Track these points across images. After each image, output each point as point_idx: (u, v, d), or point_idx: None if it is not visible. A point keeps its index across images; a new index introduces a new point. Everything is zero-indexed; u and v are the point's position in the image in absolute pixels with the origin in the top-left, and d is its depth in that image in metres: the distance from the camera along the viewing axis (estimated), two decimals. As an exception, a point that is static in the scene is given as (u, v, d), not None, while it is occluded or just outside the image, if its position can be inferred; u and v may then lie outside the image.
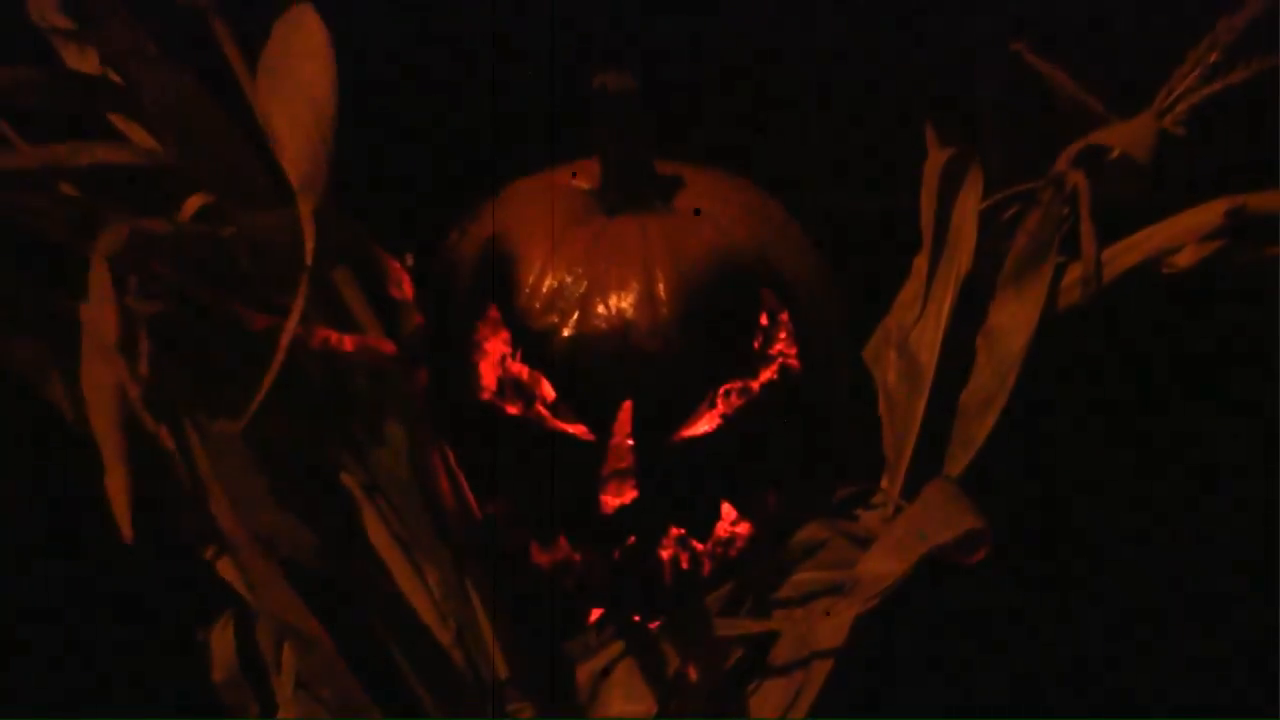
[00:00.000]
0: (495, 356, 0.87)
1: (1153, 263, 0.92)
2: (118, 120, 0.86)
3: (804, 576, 0.89)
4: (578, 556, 0.88)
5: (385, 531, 0.89)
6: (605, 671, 0.88)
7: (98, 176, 0.81)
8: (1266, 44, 0.92)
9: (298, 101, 0.75)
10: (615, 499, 0.86)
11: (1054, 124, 0.97)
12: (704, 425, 0.86)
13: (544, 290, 0.86)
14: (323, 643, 0.83)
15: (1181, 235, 0.92)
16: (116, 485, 0.67)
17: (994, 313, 0.93)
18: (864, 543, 0.88)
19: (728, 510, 0.88)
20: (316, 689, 0.84)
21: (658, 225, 0.88)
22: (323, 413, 0.86)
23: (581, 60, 0.91)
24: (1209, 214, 0.91)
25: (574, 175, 0.93)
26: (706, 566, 0.88)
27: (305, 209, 0.75)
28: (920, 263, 0.94)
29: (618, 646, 0.88)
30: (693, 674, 0.86)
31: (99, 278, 0.68)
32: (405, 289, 0.83)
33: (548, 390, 0.86)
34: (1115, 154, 0.93)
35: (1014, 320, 0.92)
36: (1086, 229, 0.90)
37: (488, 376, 0.87)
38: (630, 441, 0.85)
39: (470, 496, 0.88)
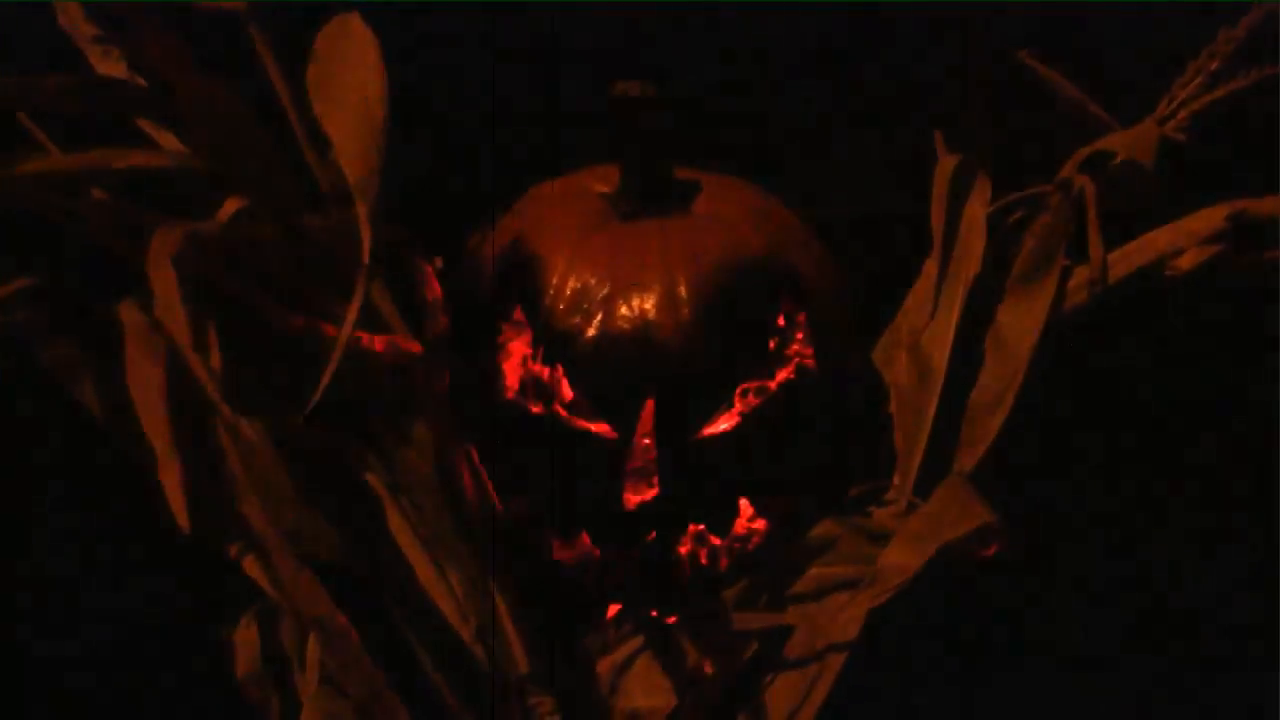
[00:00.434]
0: (518, 357, 0.89)
1: (1156, 266, 0.95)
2: (146, 125, 0.88)
3: (818, 572, 0.91)
4: (598, 553, 0.90)
5: (408, 529, 0.90)
6: (624, 666, 0.90)
7: (125, 181, 0.83)
8: (1267, 54, 0.94)
9: (351, 106, 0.77)
10: (637, 496, 0.87)
11: (1055, 130, 1.00)
12: (723, 424, 0.88)
13: (568, 292, 0.88)
14: (350, 638, 0.84)
15: (1183, 239, 0.94)
16: (172, 479, 0.68)
17: (1002, 314, 0.95)
18: (876, 538, 0.90)
19: (746, 507, 0.89)
20: (343, 685, 0.85)
21: (677, 229, 0.90)
22: (348, 412, 0.88)
23: (601, 67, 0.92)
24: (1210, 219, 0.94)
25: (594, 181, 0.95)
26: (724, 562, 0.90)
27: (363, 211, 0.76)
28: (930, 266, 0.96)
29: (636, 641, 0.90)
30: (710, 667, 0.88)
31: (165, 279, 0.69)
32: (435, 291, 0.85)
33: (566, 390, 0.88)
34: (1118, 160, 0.96)
35: (1022, 321, 0.94)
36: (1094, 232, 0.92)
37: (511, 376, 0.89)
38: (652, 440, 0.86)
39: (493, 494, 0.90)
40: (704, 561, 0.90)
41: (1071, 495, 1.05)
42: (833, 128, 1.09)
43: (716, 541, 0.90)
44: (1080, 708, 1.01)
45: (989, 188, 0.96)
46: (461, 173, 1.07)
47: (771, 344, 0.89)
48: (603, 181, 0.95)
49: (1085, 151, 0.95)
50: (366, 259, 0.75)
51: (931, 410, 0.93)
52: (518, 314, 0.89)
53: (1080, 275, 0.95)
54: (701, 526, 0.89)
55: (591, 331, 0.87)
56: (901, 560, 0.81)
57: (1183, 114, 0.96)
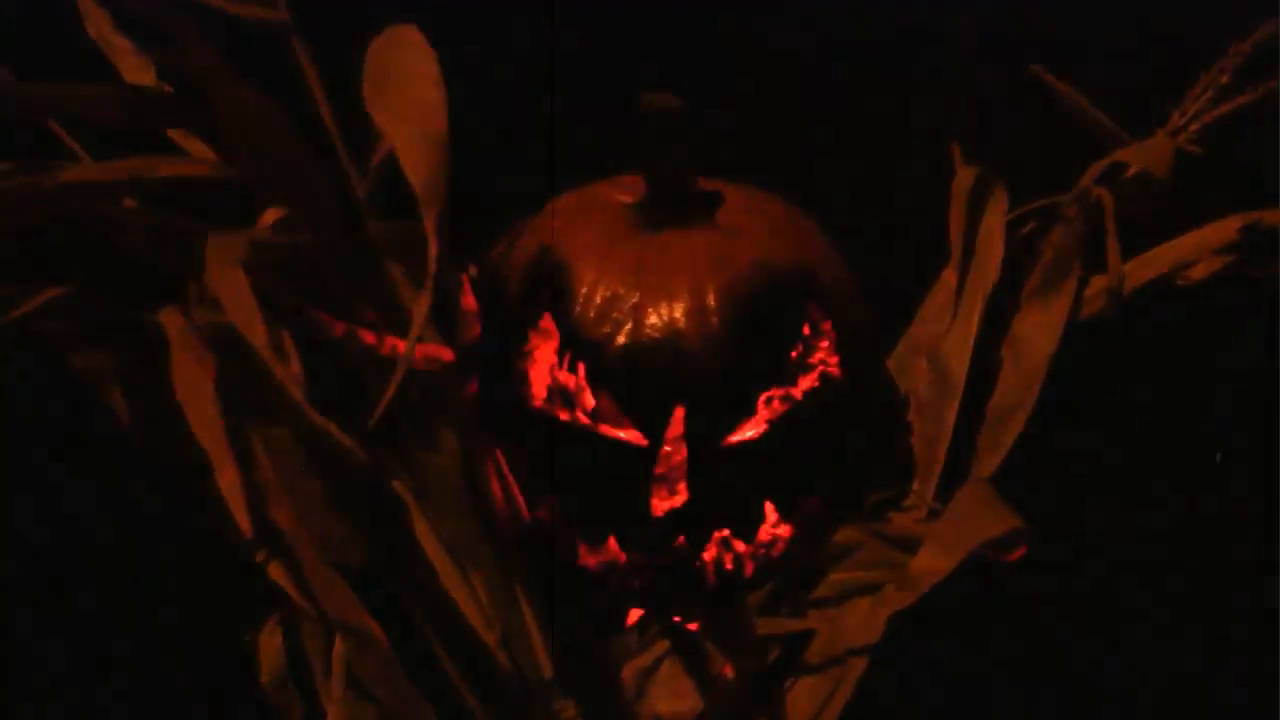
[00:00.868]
0: (545, 364, 0.90)
1: (1169, 276, 0.96)
2: (176, 135, 0.88)
3: (839, 577, 0.92)
4: (624, 558, 0.91)
5: (434, 536, 0.90)
6: (649, 671, 0.91)
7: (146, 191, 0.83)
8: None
9: (413, 116, 0.77)
10: (665, 502, 0.88)
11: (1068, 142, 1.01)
12: (750, 430, 0.89)
13: (597, 300, 0.89)
14: (380, 644, 0.84)
15: (1196, 250, 0.96)
16: (231, 483, 0.69)
17: (1019, 323, 0.97)
18: (896, 544, 0.91)
19: (771, 512, 0.90)
20: (371, 690, 0.86)
21: (703, 239, 0.91)
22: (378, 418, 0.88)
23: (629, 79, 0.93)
24: (1223, 230, 0.96)
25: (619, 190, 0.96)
26: (749, 567, 0.91)
27: (430, 220, 0.76)
28: (949, 275, 0.97)
29: (661, 646, 0.91)
30: (733, 672, 0.89)
31: (235, 284, 0.69)
32: (471, 301, 0.85)
33: (588, 399, 0.89)
34: (1132, 172, 0.97)
35: (1039, 330, 0.96)
36: (1112, 243, 0.93)
37: (538, 384, 0.90)
38: (681, 446, 0.87)
39: (520, 500, 0.91)
40: (729, 567, 0.91)
41: (1081, 499, 1.06)
42: (854, 138, 1.10)
43: (741, 547, 0.91)
44: (1092, 710, 1.02)
45: (1006, 199, 0.98)
46: (483, 181, 1.07)
47: (796, 352, 0.90)
48: (625, 192, 0.96)
49: (1102, 164, 0.96)
50: (434, 268, 0.76)
51: (952, 418, 0.95)
52: (545, 322, 0.90)
53: (1096, 285, 0.96)
54: (727, 532, 0.90)
55: (621, 340, 0.88)
56: (933, 564, 0.82)
57: (1195, 126, 0.98)
